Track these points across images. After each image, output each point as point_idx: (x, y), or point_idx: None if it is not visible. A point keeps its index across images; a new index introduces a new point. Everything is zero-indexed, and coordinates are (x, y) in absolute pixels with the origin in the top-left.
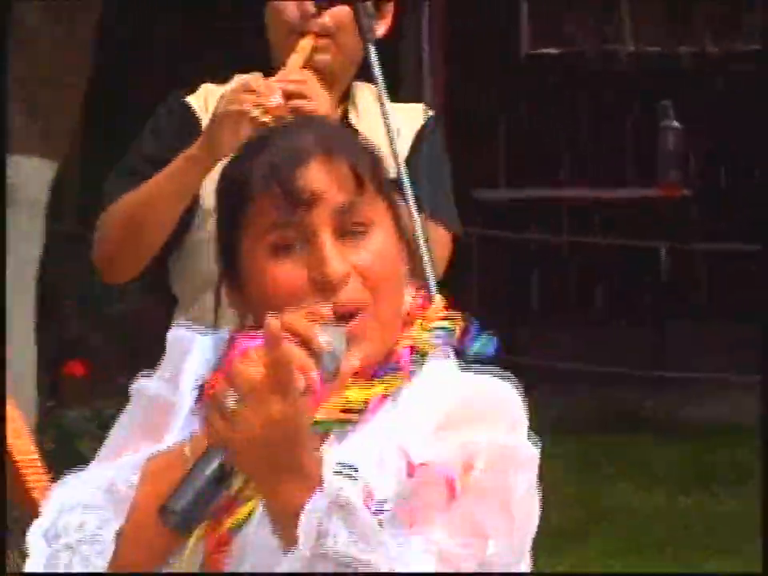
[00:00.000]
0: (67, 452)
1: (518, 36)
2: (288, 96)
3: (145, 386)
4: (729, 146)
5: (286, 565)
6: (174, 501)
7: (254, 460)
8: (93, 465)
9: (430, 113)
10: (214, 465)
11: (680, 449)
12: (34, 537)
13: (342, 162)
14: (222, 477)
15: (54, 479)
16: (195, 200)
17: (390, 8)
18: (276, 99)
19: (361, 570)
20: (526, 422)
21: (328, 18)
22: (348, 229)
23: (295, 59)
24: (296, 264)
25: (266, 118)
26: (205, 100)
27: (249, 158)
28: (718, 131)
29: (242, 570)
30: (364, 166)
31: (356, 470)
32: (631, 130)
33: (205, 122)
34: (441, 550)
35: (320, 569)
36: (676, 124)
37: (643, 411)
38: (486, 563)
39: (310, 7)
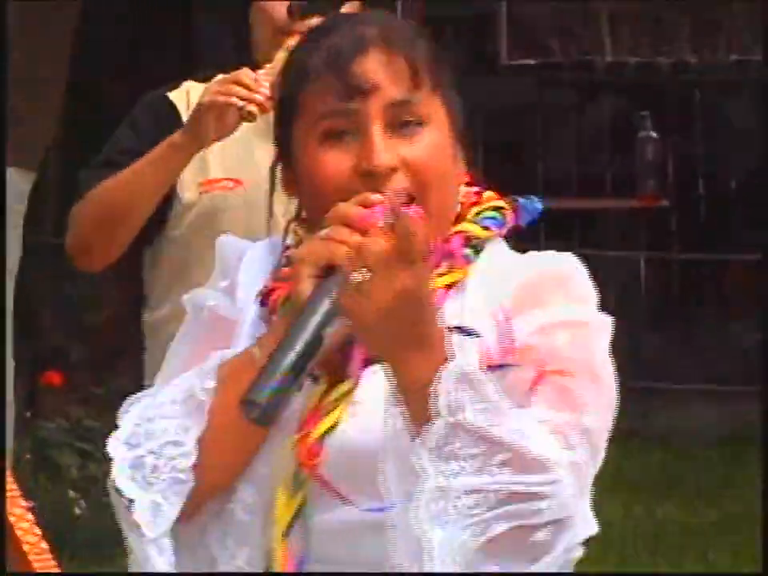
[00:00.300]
0: (45, 463)
1: (495, 47)
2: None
3: (201, 298)
4: (706, 156)
5: (420, 446)
6: (255, 392)
7: (384, 334)
8: (159, 383)
9: None
10: (291, 356)
11: (648, 458)
12: (115, 445)
13: (401, 56)
14: (298, 368)
15: (33, 490)
16: (173, 194)
17: None
18: (263, 92)
19: (488, 443)
20: (593, 291)
21: (315, 20)
22: (401, 123)
23: (282, 57)
24: (345, 153)
25: (253, 109)
26: (187, 95)
27: (311, 44)
28: (696, 141)
29: (340, 476)
30: (423, 62)
31: (478, 336)
32: (609, 140)
33: (185, 117)
34: (552, 423)
35: (456, 444)
36: (654, 134)
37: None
38: (586, 434)
39: (298, 8)
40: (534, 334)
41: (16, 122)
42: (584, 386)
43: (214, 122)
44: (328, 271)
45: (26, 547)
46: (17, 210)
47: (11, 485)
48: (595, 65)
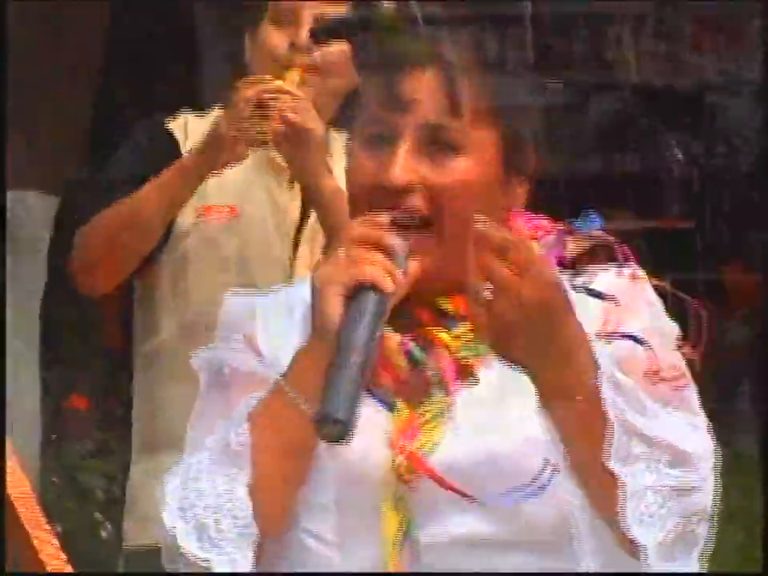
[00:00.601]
0: (71, 486)
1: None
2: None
3: (216, 359)
4: (729, 175)
5: (613, 445)
6: (330, 407)
7: (520, 347)
8: (188, 452)
9: None
10: (354, 368)
11: None
12: (170, 516)
13: (449, 80)
14: (361, 379)
15: (59, 513)
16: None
17: None
18: (289, 98)
19: (652, 444)
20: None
21: (318, 55)
22: (433, 145)
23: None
24: (375, 160)
25: (265, 138)
26: (185, 127)
27: (378, 44)
28: (719, 160)
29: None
30: (473, 89)
31: (642, 343)
32: (634, 160)
33: (184, 148)
34: (692, 424)
35: (631, 446)
36: (679, 156)
37: None
38: (709, 431)
39: (302, 41)
40: (629, 345)
41: (42, 148)
42: (689, 389)
43: (226, 153)
44: (356, 291)
45: (49, 569)
46: (40, 236)
47: (36, 508)
48: (619, 83)
